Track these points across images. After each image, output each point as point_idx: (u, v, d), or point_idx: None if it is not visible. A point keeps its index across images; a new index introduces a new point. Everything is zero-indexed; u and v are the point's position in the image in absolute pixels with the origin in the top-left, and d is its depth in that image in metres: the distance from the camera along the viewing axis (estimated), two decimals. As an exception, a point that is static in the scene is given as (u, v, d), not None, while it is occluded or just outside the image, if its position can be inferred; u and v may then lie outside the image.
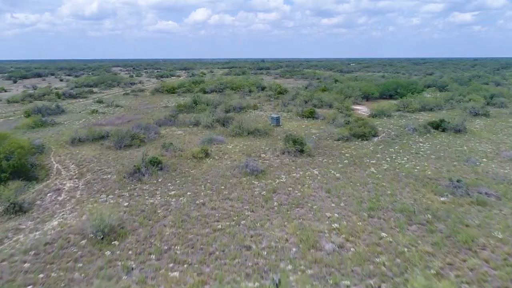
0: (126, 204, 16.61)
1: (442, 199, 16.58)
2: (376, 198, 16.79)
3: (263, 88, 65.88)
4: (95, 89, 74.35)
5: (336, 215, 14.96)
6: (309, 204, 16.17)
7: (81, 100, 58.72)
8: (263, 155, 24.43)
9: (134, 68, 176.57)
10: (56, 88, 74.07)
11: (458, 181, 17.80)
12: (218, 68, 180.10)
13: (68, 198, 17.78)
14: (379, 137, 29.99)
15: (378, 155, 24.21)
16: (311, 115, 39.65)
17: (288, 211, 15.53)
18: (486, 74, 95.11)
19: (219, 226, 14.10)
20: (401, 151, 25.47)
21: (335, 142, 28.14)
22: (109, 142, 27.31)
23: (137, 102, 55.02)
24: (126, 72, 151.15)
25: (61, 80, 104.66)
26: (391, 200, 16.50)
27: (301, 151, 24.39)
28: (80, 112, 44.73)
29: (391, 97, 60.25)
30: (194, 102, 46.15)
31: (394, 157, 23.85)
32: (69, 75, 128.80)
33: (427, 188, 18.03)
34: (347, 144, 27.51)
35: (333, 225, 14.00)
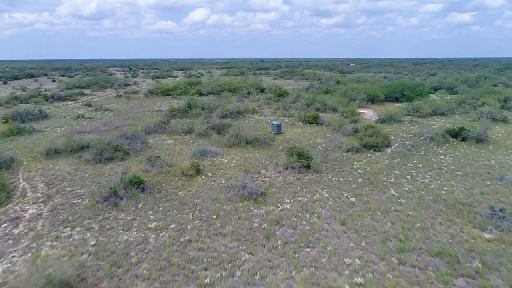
0: (93, 242, 13.35)
1: (486, 235, 13.39)
2: (404, 233, 13.58)
3: (262, 90, 62.68)
4: (86, 91, 71.01)
5: (357, 261, 11.75)
6: (321, 243, 12.94)
7: (70, 102, 55.41)
8: (263, 171, 21.19)
9: (130, 68, 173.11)
10: (46, 90, 70.77)
11: (501, 210, 14.63)
12: (217, 68, 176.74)
13: (26, 231, 14.53)
14: (393, 147, 26.82)
15: (396, 172, 20.98)
16: (315, 120, 36.46)
17: (295, 253, 12.31)
18: (492, 75, 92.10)
19: (208, 280, 10.86)
20: (420, 165, 22.27)
21: (344, 154, 24.95)
22: (88, 155, 24.04)
23: (129, 105, 51.73)
24: (123, 72, 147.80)
25: (53, 81, 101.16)
26: (423, 237, 13.29)
27: (307, 166, 21.19)
28: (65, 117, 41.39)
29: (397, 99, 57.20)
30: (188, 106, 42.90)
31: (414, 174, 20.63)
32: (63, 76, 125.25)
33: (463, 219, 14.82)
34: (358, 156, 24.32)
35: (355, 278, 10.79)
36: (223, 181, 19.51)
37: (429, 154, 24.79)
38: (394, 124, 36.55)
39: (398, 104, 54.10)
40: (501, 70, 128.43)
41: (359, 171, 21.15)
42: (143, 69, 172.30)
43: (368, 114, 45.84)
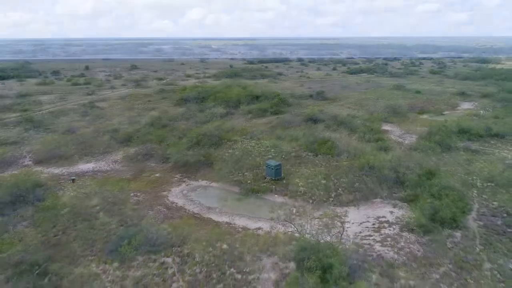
0: None
1: None
2: None
3: (257, 97, 50.81)
4: (44, 98, 58.90)
5: None
6: None
7: (13, 115, 43.42)
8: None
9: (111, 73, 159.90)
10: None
11: None
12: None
13: None
14: (474, 215, 15.37)
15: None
16: (330, 152, 24.84)
17: None
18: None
19: None
20: None
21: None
22: None
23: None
24: (109, 74, 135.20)
25: (22, 85, 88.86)
26: None
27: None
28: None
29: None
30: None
31: None
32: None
33: None
34: (432, 250, 12.76)
35: None
36: None
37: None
38: (445, 155, 25.07)
39: (426, 117, 42.67)
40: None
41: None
42: (131, 69, 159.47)
43: (395, 132, 34.28)
